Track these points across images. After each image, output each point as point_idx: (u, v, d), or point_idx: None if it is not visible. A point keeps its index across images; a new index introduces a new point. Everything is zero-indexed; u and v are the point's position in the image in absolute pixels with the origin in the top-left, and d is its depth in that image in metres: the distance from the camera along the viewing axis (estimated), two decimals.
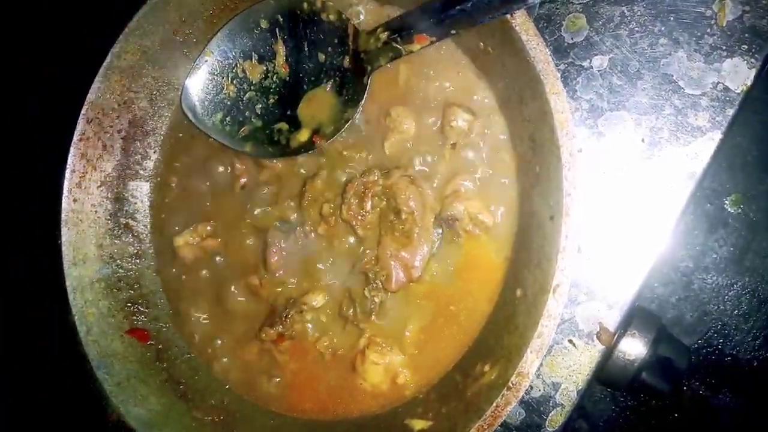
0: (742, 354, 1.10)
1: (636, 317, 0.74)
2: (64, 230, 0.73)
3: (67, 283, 0.72)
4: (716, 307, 1.11)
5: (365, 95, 0.69)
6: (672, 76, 0.71)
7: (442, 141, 0.68)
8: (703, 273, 1.11)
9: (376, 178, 0.67)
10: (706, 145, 0.70)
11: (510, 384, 0.55)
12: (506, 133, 0.66)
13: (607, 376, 0.74)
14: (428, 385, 0.68)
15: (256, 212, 0.75)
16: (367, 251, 0.69)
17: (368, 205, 0.68)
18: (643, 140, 0.71)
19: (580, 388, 0.73)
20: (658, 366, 0.75)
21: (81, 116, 0.74)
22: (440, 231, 0.68)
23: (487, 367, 0.60)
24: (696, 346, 1.10)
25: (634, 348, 0.72)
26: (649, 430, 1.11)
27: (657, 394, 0.79)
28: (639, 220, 0.71)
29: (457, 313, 0.67)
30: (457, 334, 0.67)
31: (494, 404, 0.55)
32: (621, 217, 0.71)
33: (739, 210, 1.09)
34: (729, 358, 1.11)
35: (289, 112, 0.74)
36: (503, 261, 0.65)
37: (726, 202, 1.09)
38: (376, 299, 0.68)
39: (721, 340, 1.10)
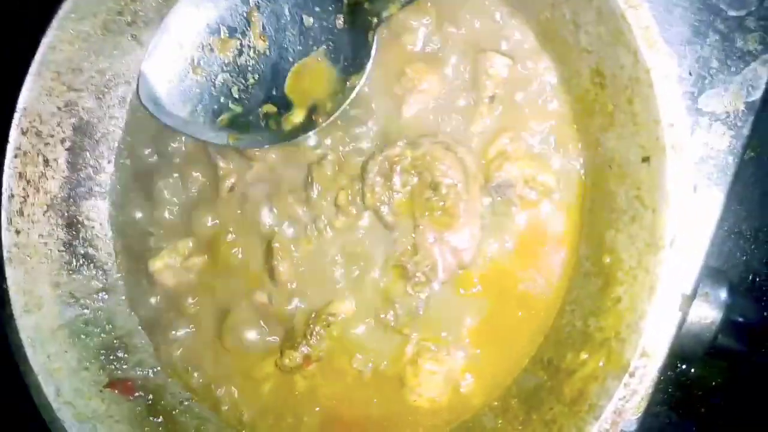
0: None
1: (705, 276, 0.65)
2: (8, 270, 0.57)
3: (22, 336, 0.56)
4: None
5: (372, 55, 0.57)
6: None
7: (476, 95, 0.56)
8: None
9: (401, 151, 0.55)
10: (761, 70, 0.62)
11: (632, 369, 0.44)
12: (555, 74, 0.55)
13: (682, 348, 0.65)
14: (501, 388, 0.56)
15: (251, 216, 0.61)
16: (402, 240, 0.57)
17: (397, 184, 0.56)
18: (690, 73, 0.62)
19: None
20: (732, 326, 0.67)
21: (14, 127, 0.59)
22: (488, 202, 0.56)
23: (584, 355, 0.49)
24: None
25: (708, 311, 0.63)
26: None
27: (734, 357, 0.71)
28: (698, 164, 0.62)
29: (524, 297, 0.55)
30: (528, 322, 0.55)
31: (614, 397, 0.44)
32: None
33: None
34: None
35: (274, 92, 0.61)
36: (573, 226, 0.55)
37: None
38: (421, 295, 0.56)
39: None
